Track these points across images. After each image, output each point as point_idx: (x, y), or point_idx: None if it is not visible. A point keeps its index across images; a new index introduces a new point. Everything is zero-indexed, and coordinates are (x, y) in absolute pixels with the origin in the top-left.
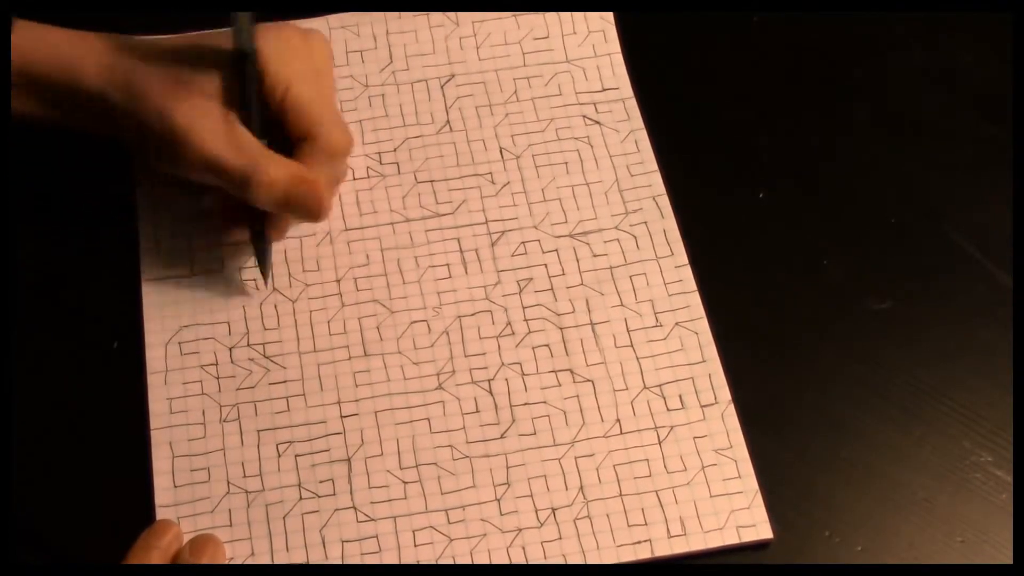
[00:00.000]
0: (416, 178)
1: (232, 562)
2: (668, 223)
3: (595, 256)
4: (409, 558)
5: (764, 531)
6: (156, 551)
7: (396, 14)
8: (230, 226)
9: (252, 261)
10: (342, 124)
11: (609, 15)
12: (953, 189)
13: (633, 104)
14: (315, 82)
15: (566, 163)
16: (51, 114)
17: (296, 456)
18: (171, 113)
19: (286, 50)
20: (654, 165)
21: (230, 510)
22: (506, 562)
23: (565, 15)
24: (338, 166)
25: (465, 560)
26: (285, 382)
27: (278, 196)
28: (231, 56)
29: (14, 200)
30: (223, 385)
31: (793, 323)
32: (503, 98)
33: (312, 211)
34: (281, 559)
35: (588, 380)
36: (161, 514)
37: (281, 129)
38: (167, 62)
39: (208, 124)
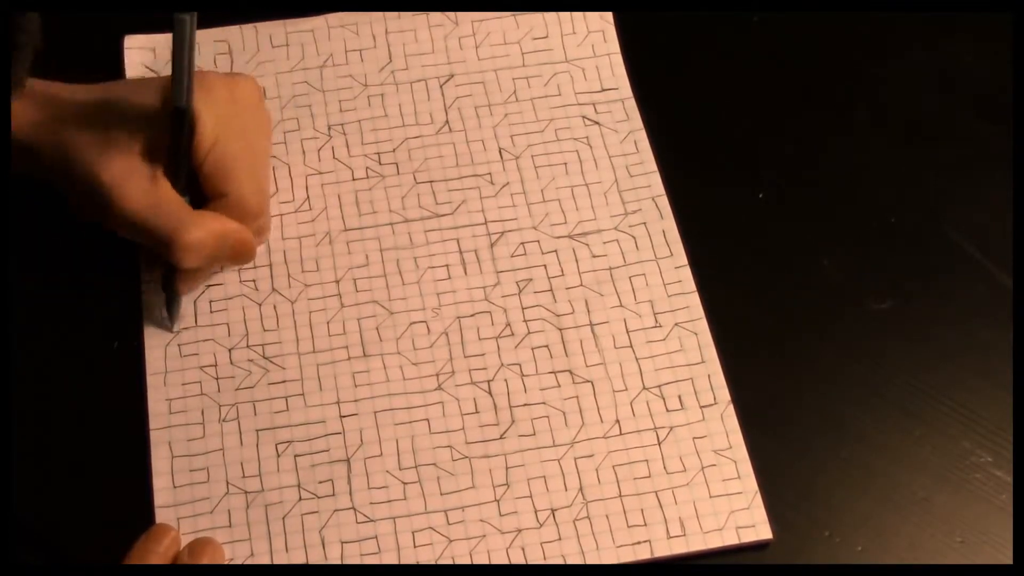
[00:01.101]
0: (415, 178)
1: (232, 563)
2: (667, 224)
3: (594, 257)
4: (409, 559)
5: (764, 531)
6: (154, 555)
7: (395, 14)
8: (148, 265)
9: (253, 263)
10: (257, 185)
11: (608, 15)
12: (953, 189)
13: (632, 104)
14: (241, 138)
15: (565, 164)
16: None
17: (295, 456)
18: (99, 172)
19: (213, 103)
20: (653, 166)
21: (229, 510)
22: (506, 563)
23: (564, 15)
24: (251, 225)
25: (465, 561)
26: (284, 382)
27: (200, 257)
28: (169, 113)
29: (14, 200)
30: (222, 385)
31: (793, 323)
32: (502, 98)
33: (243, 261)
34: (280, 560)
35: (587, 381)
36: (160, 514)
37: (197, 184)
38: (94, 119)
39: (134, 184)
